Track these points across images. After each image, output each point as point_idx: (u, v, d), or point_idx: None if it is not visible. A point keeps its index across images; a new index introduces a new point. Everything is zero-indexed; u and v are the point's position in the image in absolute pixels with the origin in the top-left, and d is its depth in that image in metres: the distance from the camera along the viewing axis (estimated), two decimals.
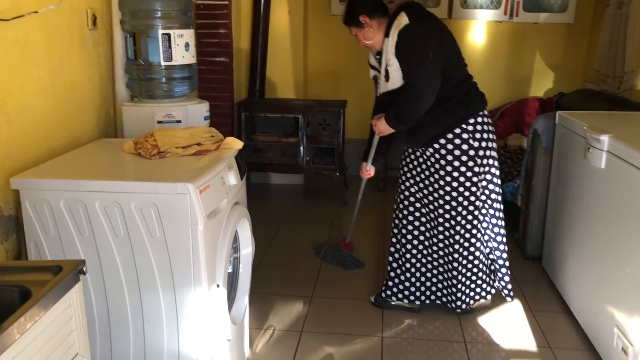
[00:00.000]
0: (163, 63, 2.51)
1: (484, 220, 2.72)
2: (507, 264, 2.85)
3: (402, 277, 2.83)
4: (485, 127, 2.56)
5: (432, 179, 2.60)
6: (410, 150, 2.73)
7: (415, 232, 2.78)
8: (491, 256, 2.84)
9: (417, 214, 2.76)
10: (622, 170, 2.29)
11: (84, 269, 1.30)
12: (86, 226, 1.88)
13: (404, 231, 2.80)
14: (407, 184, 2.77)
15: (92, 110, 2.54)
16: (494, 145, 2.61)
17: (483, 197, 2.66)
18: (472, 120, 2.52)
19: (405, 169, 2.78)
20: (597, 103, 3.99)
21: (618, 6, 4.01)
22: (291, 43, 4.79)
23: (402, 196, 2.79)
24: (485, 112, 2.59)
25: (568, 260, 2.88)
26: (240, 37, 4.68)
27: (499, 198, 2.74)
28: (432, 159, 2.58)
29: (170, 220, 1.84)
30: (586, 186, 2.66)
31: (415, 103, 2.44)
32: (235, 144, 2.29)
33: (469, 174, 2.55)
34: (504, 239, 2.81)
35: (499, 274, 2.87)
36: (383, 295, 2.88)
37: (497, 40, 4.90)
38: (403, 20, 2.40)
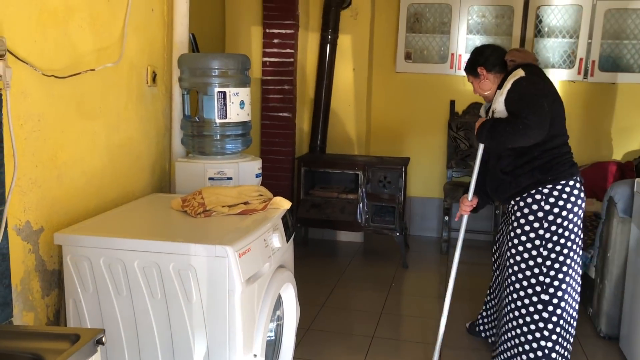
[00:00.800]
0: (217, 120, 2.51)
1: (561, 287, 2.56)
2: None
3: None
4: (564, 196, 2.51)
5: (509, 235, 2.65)
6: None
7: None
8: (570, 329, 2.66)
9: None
10: None
11: (103, 339, 1.24)
12: (124, 285, 1.84)
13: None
14: (497, 235, 2.97)
15: (147, 166, 2.56)
16: (573, 217, 2.53)
17: (551, 264, 2.54)
18: (549, 186, 2.51)
19: (500, 226, 2.96)
20: None
21: None
22: (354, 99, 4.77)
23: (495, 246, 3.00)
24: (571, 183, 2.52)
25: None
26: (305, 92, 4.71)
27: (573, 273, 2.59)
28: (512, 216, 2.63)
29: (207, 284, 1.77)
30: None
31: (513, 130, 2.41)
32: (283, 204, 2.22)
33: (536, 238, 2.54)
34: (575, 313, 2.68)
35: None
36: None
37: (571, 101, 4.67)
38: (519, 73, 2.49)
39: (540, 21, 4.55)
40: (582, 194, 2.56)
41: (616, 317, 3.06)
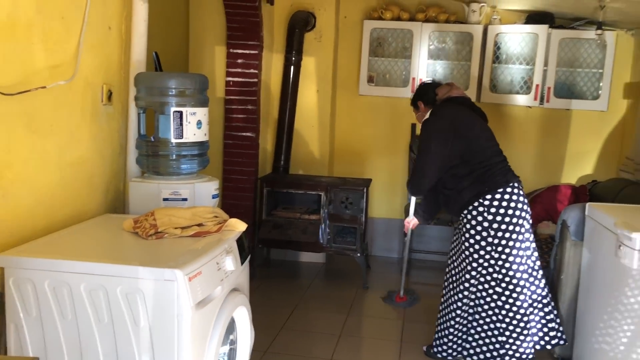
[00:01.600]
0: (173, 140, 2.48)
1: (520, 281, 2.88)
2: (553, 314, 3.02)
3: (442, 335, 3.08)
4: (504, 203, 2.82)
5: (465, 245, 2.93)
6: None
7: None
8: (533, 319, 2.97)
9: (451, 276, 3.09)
10: None
11: None
12: (69, 309, 1.79)
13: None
14: (452, 252, 3.12)
15: (100, 185, 2.51)
16: (516, 220, 2.83)
17: (509, 264, 2.85)
18: (489, 196, 2.83)
19: (453, 239, 3.17)
20: (633, 193, 3.79)
21: None
22: (318, 120, 4.79)
23: (449, 260, 3.16)
24: (508, 190, 2.83)
25: None
26: (269, 112, 4.71)
27: (527, 269, 2.91)
28: (463, 228, 2.93)
29: (156, 309, 1.73)
30: (618, 286, 2.45)
31: (413, 180, 3.05)
32: (238, 226, 2.20)
33: (483, 243, 2.86)
34: (545, 299, 2.99)
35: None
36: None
37: (528, 125, 4.79)
38: (429, 114, 3.06)
39: (499, 48, 4.67)
40: (521, 197, 2.86)
41: (569, 338, 3.11)
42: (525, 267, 2.91)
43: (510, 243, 2.83)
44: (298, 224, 4.41)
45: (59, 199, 2.22)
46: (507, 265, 2.85)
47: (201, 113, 2.55)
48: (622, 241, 2.36)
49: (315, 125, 4.80)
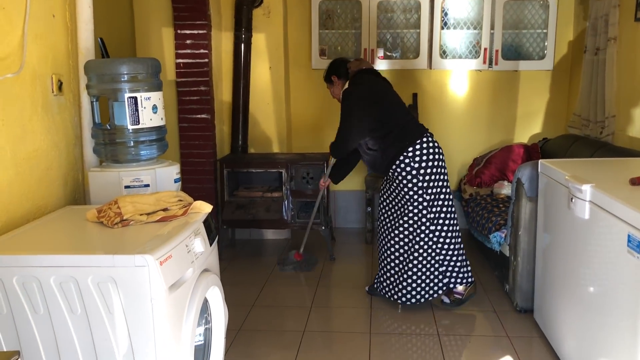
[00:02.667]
0: (130, 127, 2.45)
1: (447, 219, 3.30)
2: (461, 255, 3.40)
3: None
4: (424, 151, 3.21)
5: (400, 195, 3.29)
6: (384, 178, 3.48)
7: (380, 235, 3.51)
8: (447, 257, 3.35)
9: (384, 222, 3.46)
10: (606, 221, 2.21)
11: None
12: (41, 304, 1.77)
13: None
14: (383, 204, 3.48)
15: (58, 177, 2.47)
16: (437, 164, 3.24)
17: (440, 203, 3.27)
18: (410, 149, 3.20)
19: (382, 192, 3.50)
20: (581, 148, 3.95)
21: (594, 52, 4.02)
22: (273, 97, 4.78)
23: (379, 212, 3.52)
24: (424, 140, 3.22)
25: (559, 313, 2.76)
26: (222, 93, 4.67)
27: (447, 208, 3.31)
28: (395, 181, 3.29)
29: (129, 295, 1.74)
30: (572, 236, 2.58)
31: (336, 143, 3.40)
32: (204, 207, 2.21)
33: (415, 189, 3.22)
34: (455, 240, 3.37)
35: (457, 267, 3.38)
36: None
37: (479, 89, 4.90)
38: (347, 85, 3.38)
39: (446, 14, 4.74)
40: (436, 144, 3.26)
41: (530, 291, 3.26)
42: (448, 207, 3.31)
43: (438, 184, 3.24)
44: (261, 203, 4.43)
45: (17, 194, 2.18)
46: (438, 203, 3.26)
47: (156, 97, 2.52)
48: (574, 194, 2.47)
49: (270, 102, 4.79)
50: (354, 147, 3.36)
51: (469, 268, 3.41)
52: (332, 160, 3.69)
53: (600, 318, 2.28)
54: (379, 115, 3.25)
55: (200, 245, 2.04)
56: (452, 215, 3.34)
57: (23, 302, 1.77)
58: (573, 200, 2.48)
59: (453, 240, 3.33)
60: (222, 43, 4.62)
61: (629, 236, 2.02)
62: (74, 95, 2.60)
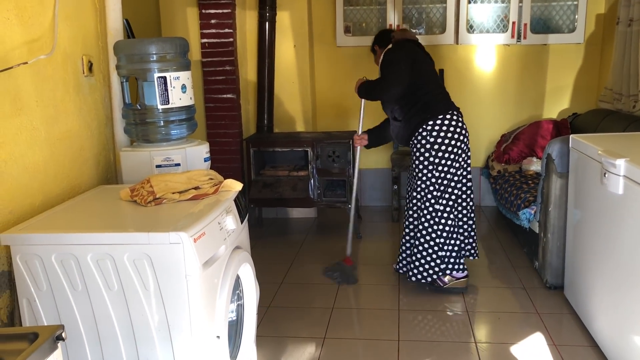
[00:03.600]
0: (160, 106, 2.47)
1: (450, 200, 3.25)
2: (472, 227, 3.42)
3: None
4: (445, 128, 3.18)
5: (413, 166, 3.32)
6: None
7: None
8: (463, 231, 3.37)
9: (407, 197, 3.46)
10: None
11: (63, 335, 1.23)
12: (79, 280, 1.82)
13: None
14: (408, 178, 3.50)
15: (91, 158, 2.51)
16: (454, 143, 3.19)
17: (447, 182, 3.23)
18: (431, 122, 3.18)
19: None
20: (613, 123, 3.87)
21: (628, 24, 3.91)
22: (298, 76, 4.77)
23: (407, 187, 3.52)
24: (448, 116, 3.18)
25: (590, 289, 2.74)
26: (247, 72, 4.67)
27: (457, 191, 3.27)
28: (413, 154, 3.30)
29: (165, 272, 1.77)
30: (604, 212, 2.54)
31: (378, 87, 3.31)
32: (234, 185, 2.23)
33: (426, 163, 3.22)
34: (470, 214, 3.39)
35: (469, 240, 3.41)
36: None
37: (507, 64, 4.82)
38: (389, 46, 3.39)
39: None
40: (460, 124, 3.21)
41: (560, 268, 3.23)
42: (458, 190, 3.27)
43: (452, 163, 3.20)
44: (287, 182, 4.45)
45: (52, 174, 2.22)
46: (445, 183, 3.23)
47: (184, 77, 2.53)
48: (607, 169, 2.43)
49: (295, 81, 4.78)
50: (387, 95, 3.28)
51: (462, 260, 3.32)
52: (362, 105, 3.60)
53: (633, 294, 2.25)
54: (413, 79, 3.21)
55: (232, 223, 2.07)
56: (461, 201, 3.29)
57: (62, 279, 1.82)
58: (606, 175, 2.44)
59: (453, 229, 3.26)
60: (247, 22, 4.61)
61: None
62: (104, 76, 2.63)
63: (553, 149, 3.17)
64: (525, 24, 4.58)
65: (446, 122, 3.18)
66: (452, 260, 3.28)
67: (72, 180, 2.35)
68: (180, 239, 1.73)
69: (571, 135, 3.01)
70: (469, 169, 3.31)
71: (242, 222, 2.20)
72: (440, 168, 3.20)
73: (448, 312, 3.12)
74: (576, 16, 4.60)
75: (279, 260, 3.94)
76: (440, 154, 3.19)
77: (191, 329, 1.81)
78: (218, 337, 1.91)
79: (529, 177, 4.14)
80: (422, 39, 4.75)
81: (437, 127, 3.18)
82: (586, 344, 2.73)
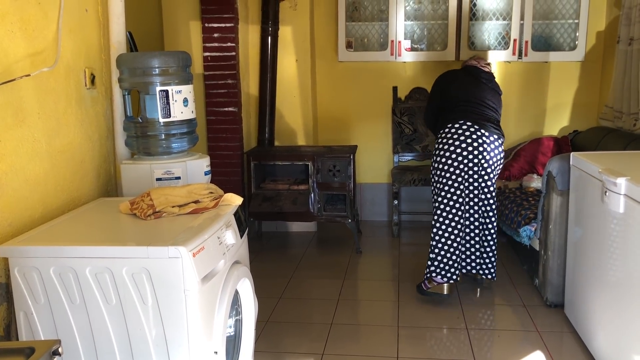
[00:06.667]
0: (161, 120, 2.48)
1: (448, 206, 3.33)
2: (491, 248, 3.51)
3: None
4: (449, 135, 3.32)
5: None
6: None
7: None
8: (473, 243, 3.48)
9: None
10: None
11: (60, 350, 1.22)
12: (77, 294, 1.81)
13: None
14: None
15: (91, 170, 2.51)
16: (453, 149, 3.29)
17: (439, 191, 3.35)
18: (442, 131, 3.39)
19: None
20: (613, 141, 3.88)
21: (628, 43, 3.93)
22: (299, 90, 4.79)
23: None
24: (456, 125, 3.30)
25: (591, 308, 2.72)
26: (249, 86, 4.69)
27: (450, 201, 3.33)
28: None
29: (163, 286, 1.76)
30: (605, 231, 2.53)
31: (424, 118, 3.81)
32: (234, 200, 2.23)
33: (435, 164, 3.38)
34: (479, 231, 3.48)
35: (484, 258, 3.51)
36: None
37: (508, 80, 4.84)
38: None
39: (475, 5, 4.67)
40: (464, 133, 3.28)
41: (560, 286, 3.21)
42: (461, 199, 3.34)
43: (451, 169, 3.30)
44: (287, 195, 4.45)
45: (52, 186, 2.22)
46: (445, 188, 3.33)
47: (186, 90, 2.54)
48: (608, 187, 2.43)
49: (296, 95, 4.80)
50: (430, 122, 3.64)
51: (452, 270, 3.33)
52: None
53: (634, 313, 2.24)
54: (444, 101, 3.49)
55: (231, 237, 2.06)
56: (469, 216, 3.40)
57: (60, 292, 1.81)
58: (607, 193, 2.44)
59: (449, 235, 3.33)
60: (249, 36, 4.63)
61: None
62: (106, 89, 2.64)
63: (554, 166, 3.16)
64: (527, 42, 4.60)
65: (453, 129, 3.31)
66: (441, 265, 3.34)
67: (72, 193, 2.35)
68: (179, 253, 1.73)
69: (572, 153, 3.01)
70: (476, 184, 3.37)
71: (241, 237, 2.20)
72: (440, 173, 3.34)
73: (446, 328, 3.10)
74: (577, 34, 4.62)
75: (278, 275, 3.93)
76: (440, 159, 3.33)
77: (189, 344, 1.80)
78: (216, 352, 1.90)
79: (529, 194, 4.13)
80: (424, 55, 4.79)
81: (444, 134, 3.35)
82: None
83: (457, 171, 3.29)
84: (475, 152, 3.28)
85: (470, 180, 3.35)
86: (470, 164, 3.29)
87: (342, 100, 5.01)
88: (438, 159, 3.34)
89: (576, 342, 2.89)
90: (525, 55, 4.63)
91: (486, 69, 3.60)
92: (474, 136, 3.28)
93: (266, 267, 4.10)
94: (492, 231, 3.49)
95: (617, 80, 4.13)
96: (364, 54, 4.84)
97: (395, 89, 4.89)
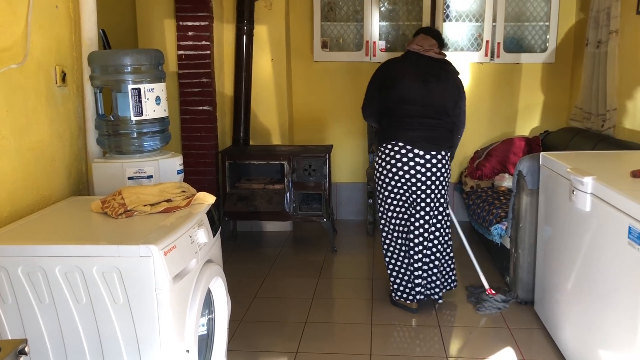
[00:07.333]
0: (133, 118, 2.46)
1: (390, 226, 3.32)
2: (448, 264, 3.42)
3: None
4: (383, 157, 3.22)
5: None
6: None
7: None
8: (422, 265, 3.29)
9: None
10: (607, 213, 2.22)
11: (26, 349, 1.21)
12: (46, 293, 1.79)
13: None
14: None
15: (62, 168, 2.48)
16: (388, 173, 3.21)
17: (380, 203, 3.33)
18: (379, 147, 3.27)
19: None
20: (583, 141, 3.96)
21: (596, 45, 4.02)
22: (275, 89, 4.79)
23: None
24: (389, 147, 3.17)
25: (559, 305, 2.78)
26: (224, 85, 4.67)
27: (389, 220, 3.31)
28: None
29: (134, 285, 1.75)
30: (573, 229, 2.59)
31: (362, 108, 3.47)
32: (207, 199, 2.22)
33: (379, 182, 3.28)
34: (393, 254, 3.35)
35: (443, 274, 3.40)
36: None
37: (481, 82, 4.90)
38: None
39: (448, 6, 4.73)
40: (398, 155, 3.16)
41: (530, 283, 3.27)
42: (399, 218, 3.29)
43: (389, 188, 3.23)
44: (263, 195, 4.44)
45: (21, 184, 2.19)
46: (384, 205, 3.31)
47: (159, 89, 2.53)
48: (575, 186, 2.48)
49: (272, 94, 4.79)
50: (369, 115, 3.42)
51: (408, 289, 3.29)
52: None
53: (600, 309, 2.30)
54: (384, 100, 3.25)
55: (203, 236, 2.06)
56: (413, 237, 3.23)
57: (28, 292, 1.79)
58: (574, 192, 2.49)
59: (392, 254, 3.33)
60: (224, 35, 4.61)
61: (629, 228, 2.03)
62: (78, 87, 2.61)
63: (524, 165, 3.22)
64: (499, 43, 4.68)
65: (387, 151, 3.20)
66: (395, 286, 3.34)
67: (42, 191, 2.32)
68: (150, 251, 1.72)
69: (541, 153, 3.07)
70: (419, 207, 3.22)
71: (214, 236, 2.19)
72: (379, 189, 3.30)
73: (419, 326, 3.13)
74: (548, 36, 4.71)
75: (253, 274, 3.92)
76: (378, 176, 3.27)
77: (160, 343, 1.79)
78: (188, 351, 1.89)
79: (501, 193, 4.20)
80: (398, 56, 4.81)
81: (379, 154, 3.26)
82: (554, 358, 2.76)
83: (395, 190, 3.22)
84: (407, 176, 3.16)
85: (410, 200, 3.23)
86: (405, 187, 3.19)
87: (318, 99, 5.03)
88: (377, 174, 3.28)
89: (545, 338, 2.95)
90: (498, 56, 4.70)
91: (430, 54, 3.23)
92: (405, 159, 3.14)
93: (241, 267, 4.09)
94: (448, 244, 3.37)
95: (586, 82, 4.21)
96: (339, 54, 4.86)
97: None
